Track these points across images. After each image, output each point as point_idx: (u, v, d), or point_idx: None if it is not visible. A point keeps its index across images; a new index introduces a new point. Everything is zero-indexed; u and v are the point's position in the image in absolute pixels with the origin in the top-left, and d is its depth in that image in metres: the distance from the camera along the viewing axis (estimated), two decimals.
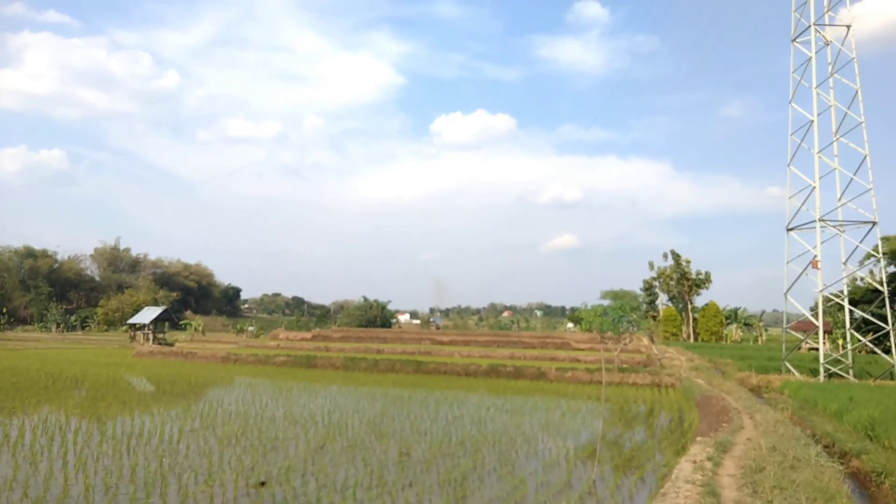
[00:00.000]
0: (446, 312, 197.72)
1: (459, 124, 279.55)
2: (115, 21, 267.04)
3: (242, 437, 16.42)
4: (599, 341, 44.35)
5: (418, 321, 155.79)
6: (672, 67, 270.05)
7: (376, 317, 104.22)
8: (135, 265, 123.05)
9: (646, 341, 55.30)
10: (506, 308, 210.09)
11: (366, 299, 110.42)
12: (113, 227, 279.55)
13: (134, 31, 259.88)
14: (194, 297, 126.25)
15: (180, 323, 79.44)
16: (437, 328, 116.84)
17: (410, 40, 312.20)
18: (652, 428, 20.85)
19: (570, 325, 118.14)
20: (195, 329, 77.86)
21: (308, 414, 20.95)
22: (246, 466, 13.09)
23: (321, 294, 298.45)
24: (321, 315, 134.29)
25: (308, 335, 66.33)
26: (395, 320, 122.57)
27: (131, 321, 64.23)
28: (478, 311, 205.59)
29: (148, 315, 62.51)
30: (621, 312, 39.33)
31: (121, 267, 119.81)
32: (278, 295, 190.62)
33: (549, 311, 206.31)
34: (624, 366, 37.82)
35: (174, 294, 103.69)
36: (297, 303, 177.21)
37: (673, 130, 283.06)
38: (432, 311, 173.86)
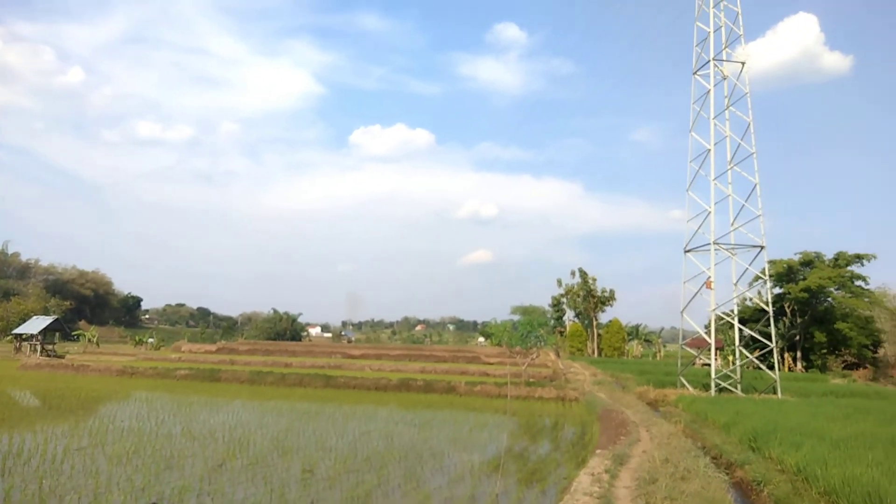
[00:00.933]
0: (359, 326, 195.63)
1: (379, 137, 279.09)
2: (14, 10, 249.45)
3: (135, 456, 15.55)
4: (509, 356, 45.28)
5: (330, 335, 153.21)
6: (586, 92, 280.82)
7: (286, 329, 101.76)
8: (24, 271, 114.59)
9: (552, 356, 56.77)
10: (419, 322, 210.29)
11: (276, 311, 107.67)
12: (1, 230, 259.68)
13: (35, 23, 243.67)
14: (90, 306, 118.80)
15: (73, 334, 74.50)
16: (349, 342, 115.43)
17: (332, 50, 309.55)
18: (556, 441, 21.35)
19: (482, 339, 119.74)
20: (89, 340, 73.23)
21: (208, 430, 20.13)
22: (136, 487, 12.39)
23: (229, 305, 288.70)
24: (228, 327, 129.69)
25: (213, 348, 63.79)
26: (305, 333, 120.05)
27: (17, 331, 59.65)
28: (391, 325, 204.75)
29: (36, 325, 58.22)
30: (530, 328, 40.54)
31: (7, 273, 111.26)
32: (182, 305, 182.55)
33: (461, 325, 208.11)
34: (531, 380, 38.64)
35: (67, 303, 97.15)
36: (203, 314, 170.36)
37: (585, 152, 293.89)
38: (345, 324, 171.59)
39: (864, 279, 65.72)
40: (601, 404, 28.82)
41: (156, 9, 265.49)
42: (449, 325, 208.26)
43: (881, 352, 79.84)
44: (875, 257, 65.14)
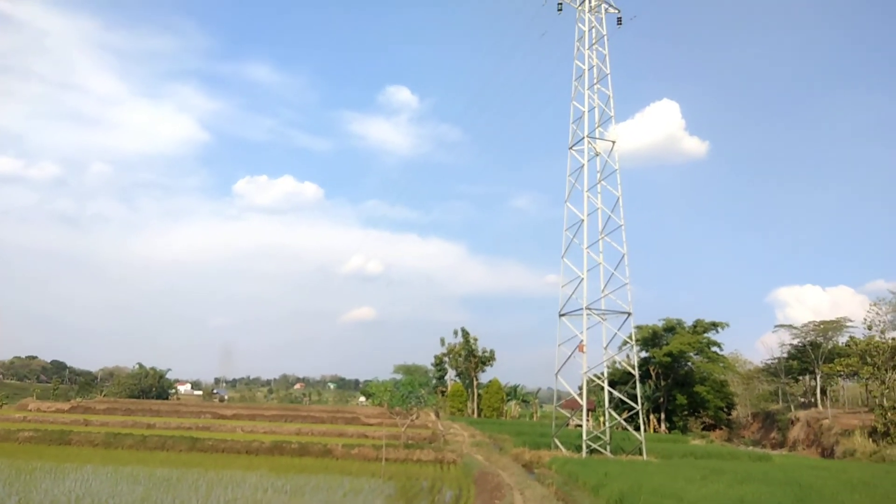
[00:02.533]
0: (233, 383, 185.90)
1: (265, 188, 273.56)
2: None
3: None
4: (389, 416, 44.61)
5: (200, 392, 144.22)
6: (471, 158, 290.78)
7: (152, 386, 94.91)
8: None
9: (433, 417, 56.55)
10: (298, 380, 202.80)
11: (142, 366, 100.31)
12: None
13: None
14: None
15: None
16: (221, 400, 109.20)
17: (220, 98, 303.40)
18: None
19: (363, 398, 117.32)
20: None
21: (50, 502, 18.16)
22: None
23: (89, 359, 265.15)
24: (85, 383, 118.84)
25: (66, 406, 58.16)
26: (173, 391, 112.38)
27: None
28: (268, 383, 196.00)
29: None
30: (411, 388, 40.31)
31: None
32: (34, 358, 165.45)
33: (342, 383, 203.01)
34: (410, 442, 38.17)
35: None
36: (58, 368, 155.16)
37: (469, 215, 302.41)
38: (217, 381, 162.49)
39: (719, 345, 71.13)
40: (478, 467, 28.93)
41: (29, 39, 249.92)
42: (329, 384, 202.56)
43: (734, 414, 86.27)
44: (728, 325, 70.88)
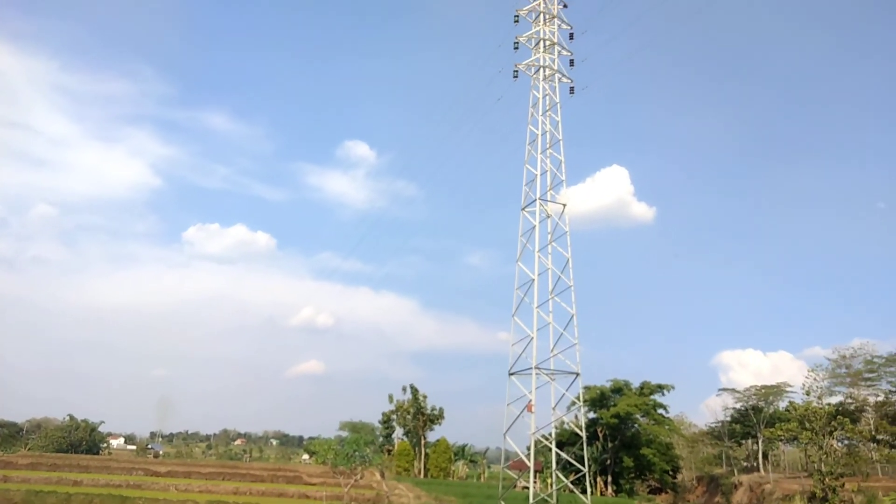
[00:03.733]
0: (170, 438, 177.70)
1: (216, 236, 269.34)
2: None
3: None
4: (332, 476, 43.18)
5: (134, 447, 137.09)
6: (427, 214, 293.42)
7: (82, 440, 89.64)
8: None
9: (377, 477, 54.97)
10: (239, 435, 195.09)
11: (72, 418, 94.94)
12: None
13: None
14: None
15: None
16: (156, 456, 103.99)
17: (175, 144, 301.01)
18: None
19: (306, 456, 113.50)
20: None
21: None
22: None
23: (14, 410, 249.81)
24: (9, 435, 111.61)
25: None
26: (105, 445, 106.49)
27: None
28: (207, 438, 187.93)
29: None
30: (356, 446, 39.29)
31: None
32: None
33: (286, 440, 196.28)
34: (353, 503, 36.96)
35: None
36: None
37: (423, 270, 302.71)
38: (153, 435, 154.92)
39: (665, 407, 71.91)
40: None
41: None
42: (272, 440, 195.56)
43: (680, 477, 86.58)
44: (674, 387, 71.92)
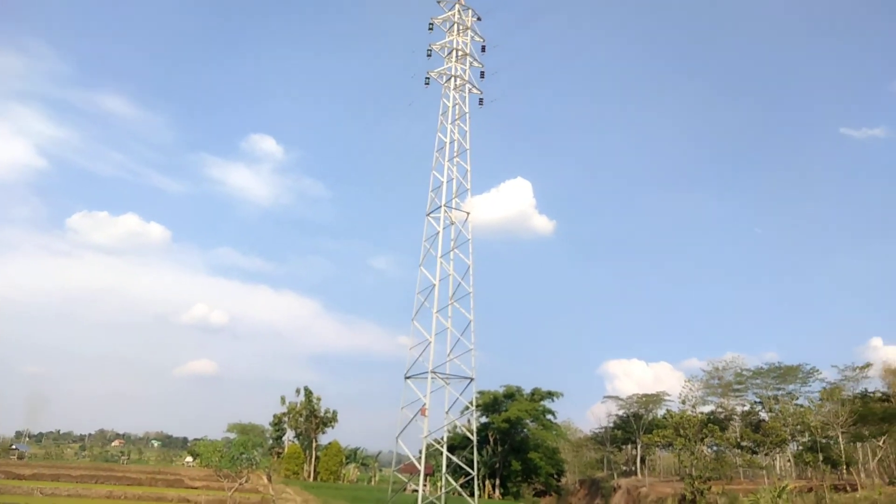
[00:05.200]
0: (38, 438, 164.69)
1: (104, 224, 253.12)
2: None
3: None
4: (217, 479, 41.56)
5: None
6: (333, 214, 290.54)
7: None
8: None
9: (265, 480, 53.48)
10: (118, 436, 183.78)
11: None
12: None
13: None
14: None
15: None
16: (20, 457, 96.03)
17: (66, 125, 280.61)
18: None
19: (189, 458, 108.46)
20: None
21: None
22: None
23: None
24: None
25: None
26: None
27: None
28: (82, 438, 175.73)
29: None
30: (243, 448, 38.08)
31: None
32: None
33: (169, 441, 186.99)
34: None
35: None
36: None
37: (327, 271, 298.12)
38: (20, 435, 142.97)
39: (553, 413, 74.50)
40: None
41: None
42: (153, 442, 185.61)
43: (564, 480, 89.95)
44: (562, 394, 74.61)
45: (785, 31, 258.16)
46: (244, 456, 37.58)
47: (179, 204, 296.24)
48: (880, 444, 55.60)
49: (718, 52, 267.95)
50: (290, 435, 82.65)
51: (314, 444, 78.17)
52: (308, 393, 79.04)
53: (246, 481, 38.96)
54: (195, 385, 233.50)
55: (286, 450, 78.62)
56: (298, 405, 79.23)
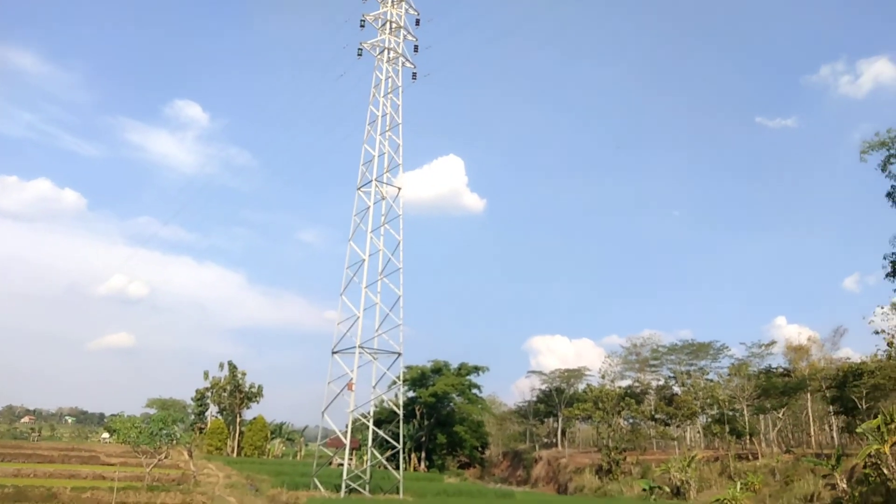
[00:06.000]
0: None
1: (13, 189, 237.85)
2: None
3: None
4: (134, 455, 40.36)
5: None
6: (260, 185, 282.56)
7: None
8: None
9: (185, 456, 52.40)
10: (28, 412, 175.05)
11: None
12: None
13: None
14: None
15: None
16: None
17: None
18: None
19: (106, 435, 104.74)
20: None
21: None
22: None
23: None
24: None
25: None
26: None
27: None
28: None
29: None
30: (162, 424, 37.14)
31: None
32: None
33: (84, 417, 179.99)
34: (155, 484, 34.96)
35: None
36: None
37: (252, 243, 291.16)
38: None
39: (479, 388, 75.93)
40: None
41: None
42: (67, 418, 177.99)
43: (488, 453, 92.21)
44: (488, 369, 76.08)
45: (707, 22, 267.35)
46: (164, 432, 36.66)
47: (96, 170, 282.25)
48: (780, 415, 59.62)
49: (643, 39, 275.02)
50: (213, 410, 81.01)
51: (238, 420, 76.92)
52: (232, 367, 77.51)
53: (165, 457, 38.08)
54: (112, 359, 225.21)
55: (209, 425, 77.09)
56: (222, 380, 77.60)
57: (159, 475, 37.88)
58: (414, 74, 46.73)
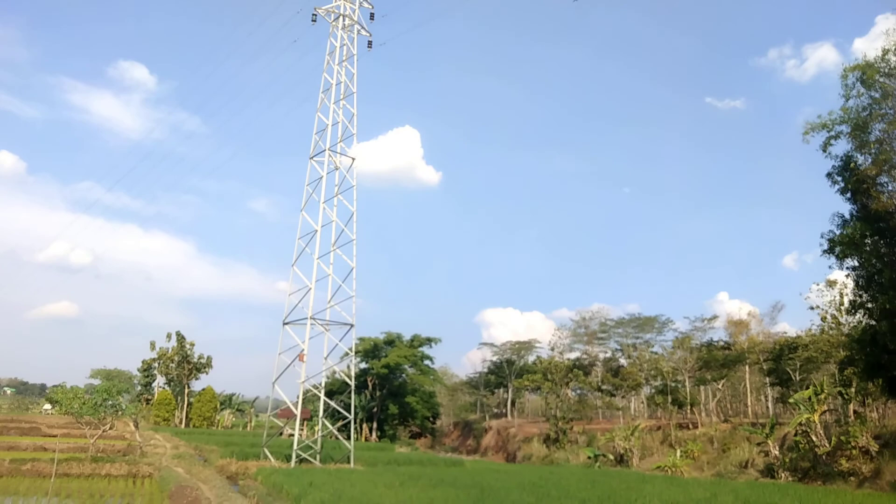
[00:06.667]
0: None
1: None
2: None
3: None
4: (78, 427, 39.41)
5: None
6: (209, 151, 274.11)
7: None
8: None
9: (131, 427, 51.52)
10: None
11: None
12: None
13: None
14: None
15: None
16: None
17: None
18: None
19: (48, 406, 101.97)
20: None
21: None
22: None
23: None
24: None
25: None
26: None
27: None
28: None
29: None
30: (106, 395, 36.35)
31: None
32: None
33: (24, 388, 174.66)
34: (100, 455, 34.30)
35: None
36: None
37: (201, 212, 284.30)
38: None
39: (431, 359, 76.69)
40: (176, 480, 27.12)
41: None
42: (6, 389, 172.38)
43: (439, 423, 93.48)
44: (441, 341, 76.83)
45: (662, 2, 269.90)
46: (109, 402, 35.89)
47: (35, 132, 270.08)
48: (719, 387, 62.15)
49: (598, 18, 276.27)
50: (160, 381, 79.76)
51: (186, 391, 75.94)
52: (180, 338, 76.23)
53: (110, 428, 37.35)
54: (53, 328, 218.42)
55: (156, 396, 75.92)
56: (170, 350, 76.32)
57: (104, 446, 37.17)
58: (370, 43, 45.94)
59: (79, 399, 36.12)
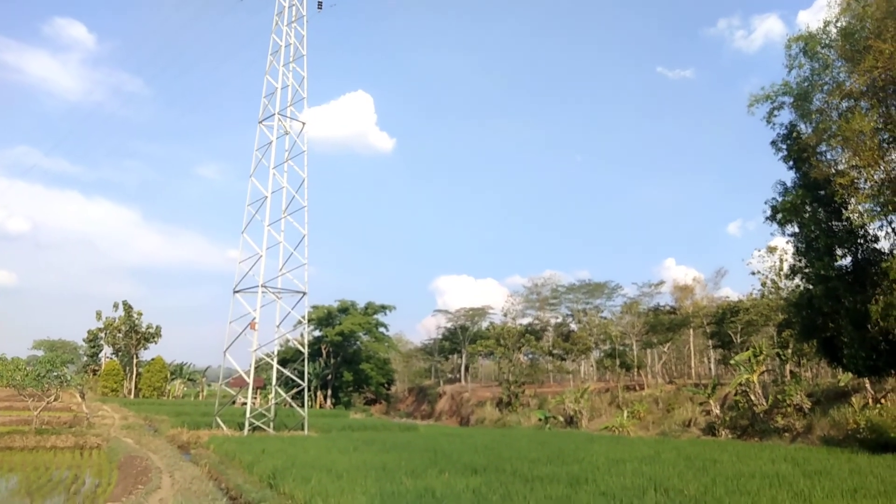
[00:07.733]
0: None
1: None
2: None
3: None
4: (21, 399, 38.30)
5: None
6: (153, 114, 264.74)
7: None
8: None
9: (78, 398, 50.34)
10: None
11: None
12: None
13: None
14: None
15: None
16: None
17: None
18: (65, 496, 18.90)
19: None
20: None
21: None
22: None
23: None
24: None
25: None
26: None
27: None
28: None
29: None
30: (49, 366, 35.36)
31: None
32: None
33: None
34: (45, 427, 33.52)
35: None
36: None
37: (146, 178, 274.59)
38: None
39: (385, 326, 76.97)
40: (126, 451, 26.72)
41: None
42: None
43: (394, 389, 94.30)
44: (395, 308, 77.14)
45: None
46: (53, 374, 34.93)
47: None
48: (665, 350, 64.26)
49: None
50: (107, 351, 77.83)
51: (135, 361, 74.39)
52: (127, 307, 74.32)
53: (55, 400, 36.41)
54: None
55: (103, 367, 74.16)
56: (116, 320, 74.40)
57: (49, 418, 36.34)
58: (319, 4, 44.67)
59: (21, 370, 35.03)
